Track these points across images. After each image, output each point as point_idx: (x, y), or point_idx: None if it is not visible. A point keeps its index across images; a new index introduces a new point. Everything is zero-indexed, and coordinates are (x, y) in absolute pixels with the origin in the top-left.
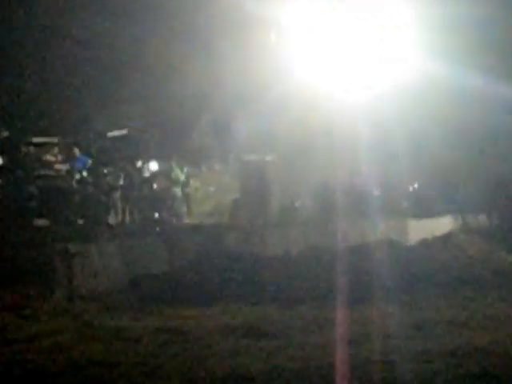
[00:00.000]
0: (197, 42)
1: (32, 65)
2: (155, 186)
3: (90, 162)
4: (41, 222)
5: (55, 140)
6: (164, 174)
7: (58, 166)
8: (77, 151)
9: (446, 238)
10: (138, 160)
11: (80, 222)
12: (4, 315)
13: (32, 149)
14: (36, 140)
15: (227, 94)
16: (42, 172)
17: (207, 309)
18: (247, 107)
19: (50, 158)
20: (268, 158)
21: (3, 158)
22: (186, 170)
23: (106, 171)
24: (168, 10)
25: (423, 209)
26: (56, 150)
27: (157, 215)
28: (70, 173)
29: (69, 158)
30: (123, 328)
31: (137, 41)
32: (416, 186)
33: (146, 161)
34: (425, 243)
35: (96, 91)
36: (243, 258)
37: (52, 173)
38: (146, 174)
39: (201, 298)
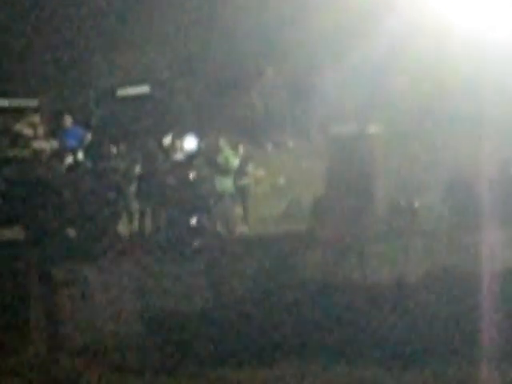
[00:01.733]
0: None
1: None
2: (192, 174)
3: (88, 136)
4: (7, 234)
5: (34, 103)
6: (207, 155)
7: (37, 144)
8: (68, 120)
9: None
10: (165, 134)
11: (72, 232)
12: None
13: None
14: (1, 104)
15: (308, 31)
16: (12, 154)
17: (269, 371)
18: (339, 53)
19: (25, 131)
20: (371, 131)
21: None
22: (241, 149)
23: (114, 151)
24: None
25: None
26: (35, 118)
27: (194, 221)
28: (57, 154)
29: (55, 131)
30: None
31: None
32: None
33: (179, 135)
34: None
35: (99, 23)
36: (331, 290)
37: (28, 154)
38: (179, 157)
39: (261, 354)
